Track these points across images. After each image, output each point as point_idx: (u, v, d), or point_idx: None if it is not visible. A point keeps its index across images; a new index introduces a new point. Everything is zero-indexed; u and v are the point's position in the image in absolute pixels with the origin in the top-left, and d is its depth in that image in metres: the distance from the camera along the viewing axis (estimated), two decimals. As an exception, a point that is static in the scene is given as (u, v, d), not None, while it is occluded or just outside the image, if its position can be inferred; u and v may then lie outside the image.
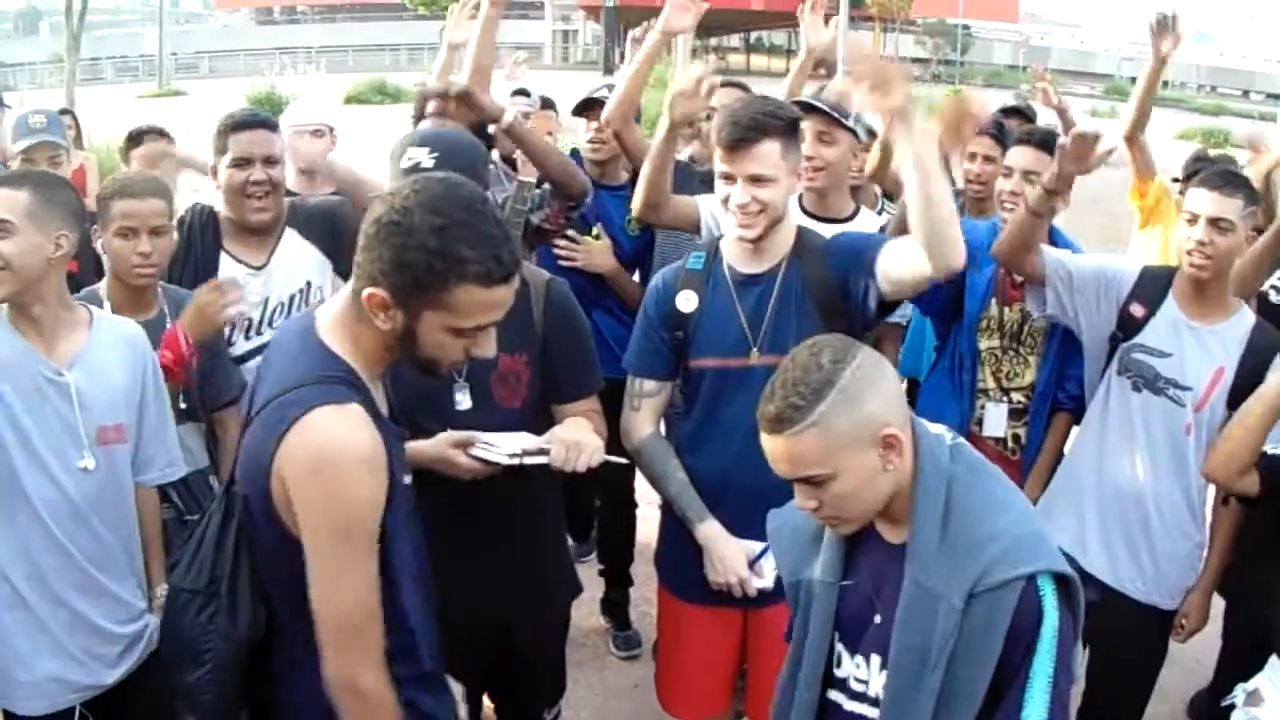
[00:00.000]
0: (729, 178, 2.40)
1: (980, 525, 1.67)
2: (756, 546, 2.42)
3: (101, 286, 2.69)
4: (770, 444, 1.66)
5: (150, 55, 31.43)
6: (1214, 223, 2.66)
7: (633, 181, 3.78)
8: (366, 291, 1.64)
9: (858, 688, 1.81)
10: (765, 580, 2.43)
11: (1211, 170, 2.91)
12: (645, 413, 2.60)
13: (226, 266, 2.95)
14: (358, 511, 1.63)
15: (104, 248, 2.68)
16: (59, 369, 2.24)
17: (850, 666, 1.82)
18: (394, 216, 1.62)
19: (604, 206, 3.67)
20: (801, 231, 2.56)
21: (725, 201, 2.43)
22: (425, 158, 2.32)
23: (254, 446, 1.71)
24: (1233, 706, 2.48)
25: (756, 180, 2.38)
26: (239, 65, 32.36)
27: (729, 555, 2.45)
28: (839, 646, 1.84)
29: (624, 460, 2.36)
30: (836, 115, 3.01)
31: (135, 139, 4.12)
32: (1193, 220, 2.70)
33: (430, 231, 1.59)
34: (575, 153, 3.73)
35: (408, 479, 1.82)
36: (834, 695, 1.85)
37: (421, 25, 35.65)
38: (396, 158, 2.40)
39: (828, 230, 2.68)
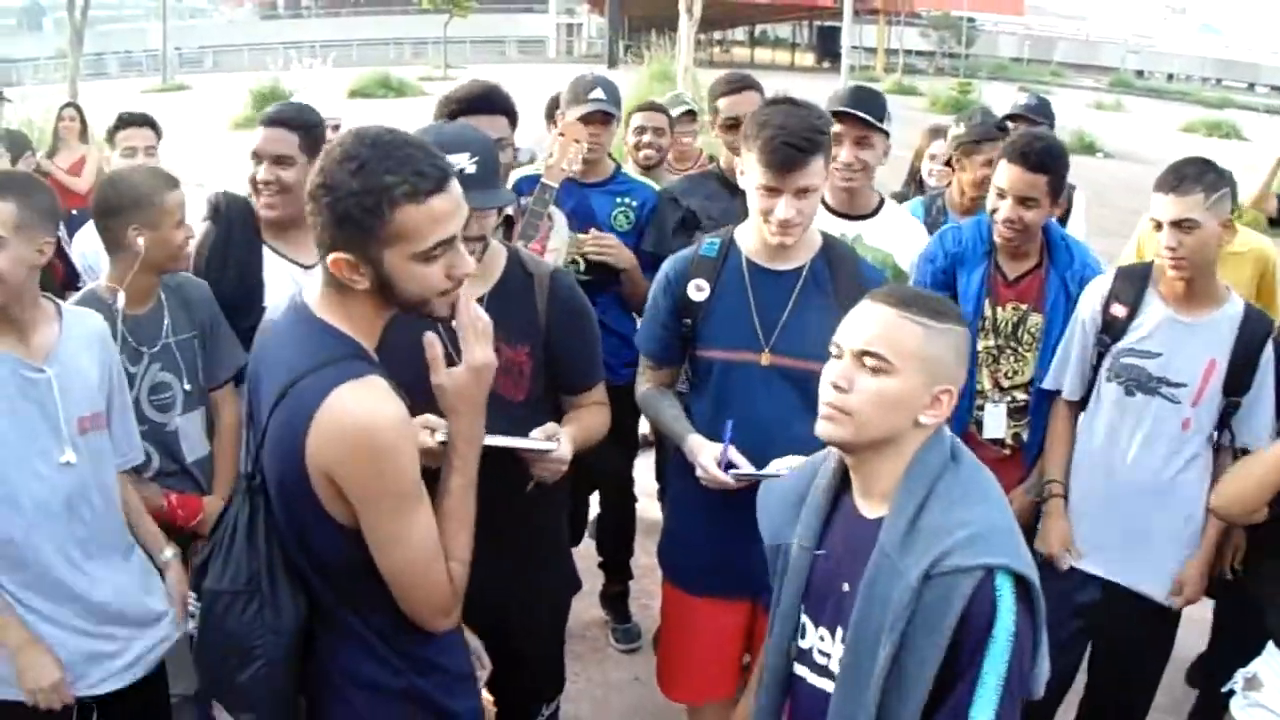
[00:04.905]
0: (773, 192, 2.39)
1: (953, 511, 1.69)
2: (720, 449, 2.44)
3: (101, 283, 2.62)
4: (875, 310, 1.74)
5: (154, 50, 31.34)
6: (1177, 225, 2.64)
7: (618, 175, 3.72)
8: (330, 259, 1.68)
9: (820, 660, 1.83)
10: (733, 474, 2.39)
11: (1165, 170, 2.74)
12: (647, 375, 2.68)
13: (272, 263, 2.90)
14: (405, 473, 1.69)
15: (138, 239, 2.54)
16: (39, 366, 2.25)
17: (814, 638, 1.84)
18: (317, 181, 1.67)
19: (589, 204, 3.60)
20: (828, 237, 2.57)
21: (766, 215, 2.42)
22: (468, 164, 2.22)
23: (280, 439, 1.72)
24: (1232, 692, 2.49)
25: (803, 193, 2.38)
26: (243, 60, 32.27)
27: (705, 459, 2.45)
28: (804, 618, 1.85)
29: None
30: (873, 121, 2.96)
31: (129, 123, 4.06)
32: (1158, 226, 2.69)
33: (349, 177, 1.64)
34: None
35: None
36: (798, 669, 1.87)
37: (426, 19, 35.53)
38: None
39: (854, 227, 2.65)
